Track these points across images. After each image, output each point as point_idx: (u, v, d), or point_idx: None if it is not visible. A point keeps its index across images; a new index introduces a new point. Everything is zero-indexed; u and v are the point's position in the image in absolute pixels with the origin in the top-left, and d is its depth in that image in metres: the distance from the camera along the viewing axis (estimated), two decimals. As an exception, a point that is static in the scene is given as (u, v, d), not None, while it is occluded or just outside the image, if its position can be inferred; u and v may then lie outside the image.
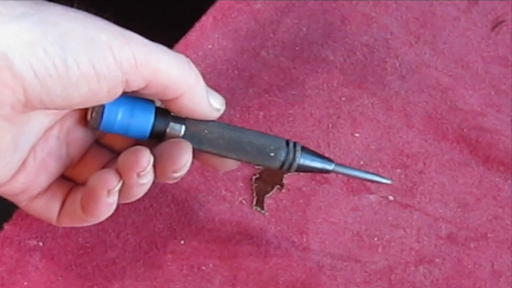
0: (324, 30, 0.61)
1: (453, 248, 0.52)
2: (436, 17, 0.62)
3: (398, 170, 0.55)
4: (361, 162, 0.55)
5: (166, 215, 0.52)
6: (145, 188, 0.39)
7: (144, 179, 0.38)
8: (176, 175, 0.39)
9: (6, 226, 0.50)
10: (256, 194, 0.53)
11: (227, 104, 0.56)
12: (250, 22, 0.61)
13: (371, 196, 0.54)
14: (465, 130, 0.57)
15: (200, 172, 0.54)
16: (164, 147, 0.39)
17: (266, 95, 0.57)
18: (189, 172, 0.53)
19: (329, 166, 0.42)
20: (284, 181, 0.54)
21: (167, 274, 0.50)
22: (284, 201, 0.53)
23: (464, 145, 0.56)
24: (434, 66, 0.60)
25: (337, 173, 0.43)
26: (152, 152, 0.38)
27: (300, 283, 0.50)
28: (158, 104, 0.40)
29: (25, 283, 0.49)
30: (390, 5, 0.62)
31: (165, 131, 0.39)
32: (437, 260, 0.52)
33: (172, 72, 0.37)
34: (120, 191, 0.38)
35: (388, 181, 0.45)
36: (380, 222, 0.53)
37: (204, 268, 0.50)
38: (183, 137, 0.39)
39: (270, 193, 0.53)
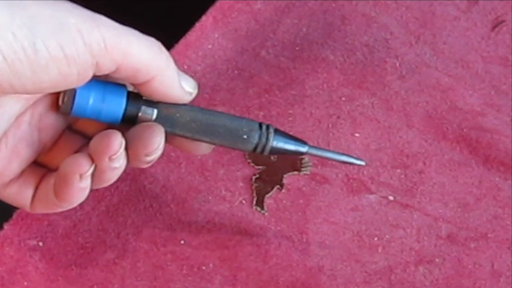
0: (324, 30, 0.61)
1: (453, 248, 0.52)
2: (436, 17, 0.62)
3: (398, 170, 0.55)
4: (361, 162, 0.55)
5: (166, 215, 0.52)
6: (118, 173, 0.39)
7: (116, 162, 0.38)
8: (149, 158, 0.39)
9: (6, 226, 0.50)
10: (256, 194, 0.53)
11: (227, 104, 0.57)
12: (250, 22, 0.61)
13: (371, 196, 0.54)
14: (465, 130, 0.57)
15: (200, 172, 0.54)
16: (136, 131, 0.38)
17: (266, 95, 0.57)
18: (189, 172, 0.54)
19: (303, 148, 0.42)
20: (284, 181, 0.54)
21: (167, 274, 0.50)
22: (284, 201, 0.53)
23: (464, 145, 0.56)
24: (434, 66, 0.60)
25: (311, 155, 0.43)
26: (124, 136, 0.38)
27: (300, 283, 0.50)
28: (130, 88, 0.40)
29: (25, 283, 0.49)
30: (390, 5, 0.62)
31: (137, 115, 0.39)
32: (437, 260, 0.52)
33: (142, 55, 0.37)
34: (93, 175, 0.38)
35: (362, 163, 0.45)
36: (380, 222, 0.53)
37: (204, 268, 0.50)
38: (156, 121, 0.39)
39: (270, 193, 0.53)
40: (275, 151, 0.41)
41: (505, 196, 0.55)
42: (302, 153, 0.43)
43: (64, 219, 0.51)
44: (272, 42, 0.60)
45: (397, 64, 0.60)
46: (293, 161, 0.55)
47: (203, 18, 0.60)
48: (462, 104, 0.58)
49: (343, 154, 0.44)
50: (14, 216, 0.51)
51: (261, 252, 0.51)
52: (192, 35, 0.59)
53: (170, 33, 0.57)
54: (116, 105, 0.38)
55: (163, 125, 0.39)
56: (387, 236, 0.53)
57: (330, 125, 0.56)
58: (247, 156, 0.55)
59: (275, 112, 0.57)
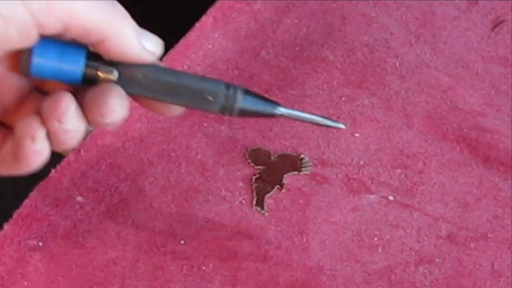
0: (324, 30, 0.61)
1: (453, 248, 0.52)
2: (436, 17, 0.62)
3: (398, 170, 0.55)
4: (361, 162, 0.55)
5: (166, 215, 0.52)
6: (75, 135, 0.38)
7: (67, 124, 0.37)
8: (105, 120, 0.38)
9: (6, 226, 0.50)
10: (256, 194, 0.53)
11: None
12: (250, 22, 0.61)
13: (371, 196, 0.54)
14: (465, 130, 0.57)
15: (200, 172, 0.54)
16: (92, 92, 0.38)
17: (266, 95, 0.57)
18: (189, 172, 0.54)
19: (274, 110, 0.40)
20: (284, 181, 0.54)
21: (167, 274, 0.50)
22: (284, 201, 0.53)
23: (464, 145, 0.56)
24: (434, 66, 0.60)
25: (285, 117, 0.41)
26: (83, 97, 0.37)
27: (300, 283, 0.50)
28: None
29: (25, 283, 0.49)
30: (390, 5, 0.62)
31: (97, 75, 0.38)
32: (437, 260, 0.52)
33: (91, 14, 0.36)
34: (49, 138, 0.38)
35: (340, 125, 0.42)
36: (380, 222, 0.53)
37: (204, 268, 0.50)
38: (118, 81, 0.38)
39: (270, 193, 0.53)
40: (244, 112, 0.40)
41: (505, 196, 0.55)
42: (274, 115, 0.41)
43: (64, 219, 0.51)
44: (272, 42, 0.60)
45: (397, 64, 0.60)
46: (293, 161, 0.55)
47: (203, 18, 0.60)
48: (462, 104, 0.58)
49: (319, 116, 0.42)
50: (14, 216, 0.51)
51: (261, 252, 0.51)
52: (192, 35, 0.59)
53: (170, 33, 0.57)
54: (75, 65, 0.37)
55: (125, 86, 0.38)
56: (387, 236, 0.53)
57: (330, 125, 0.56)
58: (247, 156, 0.55)
59: (275, 112, 0.57)
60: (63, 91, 0.37)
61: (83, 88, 0.38)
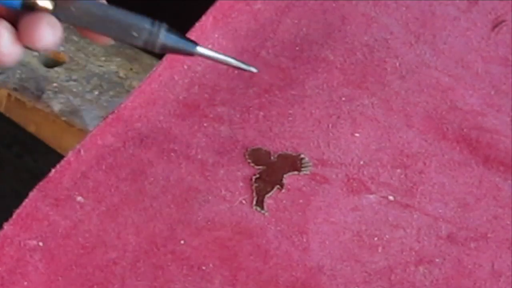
0: (324, 30, 0.61)
1: (453, 248, 0.52)
2: (436, 17, 0.62)
3: (398, 170, 0.55)
4: (361, 162, 0.55)
5: (166, 215, 0.52)
6: (12, 57, 0.42)
7: (2, 48, 0.42)
8: (36, 45, 0.42)
9: (6, 226, 0.50)
10: (256, 194, 0.53)
11: (227, 103, 0.57)
12: (250, 22, 0.61)
13: (371, 196, 0.54)
14: (465, 130, 0.57)
15: (200, 172, 0.54)
16: (29, 18, 0.42)
17: (266, 95, 0.57)
18: (189, 172, 0.54)
19: (193, 49, 0.44)
20: (284, 181, 0.54)
21: (167, 274, 0.50)
22: (284, 201, 0.53)
23: (464, 145, 0.56)
24: (434, 66, 0.60)
25: (202, 56, 0.45)
26: (20, 22, 0.42)
27: (300, 283, 0.50)
28: None
29: (25, 283, 0.49)
30: (390, 5, 0.62)
31: (35, 4, 0.42)
32: (437, 260, 0.52)
33: None
34: None
35: (252, 69, 0.47)
36: (380, 222, 0.53)
37: (204, 268, 0.50)
38: (53, 11, 0.42)
39: (270, 193, 0.53)
40: (165, 48, 0.44)
41: (505, 196, 0.55)
42: (192, 53, 0.45)
43: (64, 219, 0.51)
44: (272, 42, 0.60)
45: (397, 64, 0.60)
46: (293, 161, 0.55)
47: (203, 18, 0.60)
48: (462, 104, 0.58)
49: (234, 58, 0.46)
50: (14, 216, 0.51)
51: (261, 252, 0.51)
52: (192, 35, 0.59)
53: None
54: None
55: (60, 16, 0.43)
56: (387, 236, 0.53)
57: (330, 125, 0.56)
58: (247, 156, 0.55)
59: (275, 112, 0.57)
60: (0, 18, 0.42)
61: (23, 15, 0.42)
